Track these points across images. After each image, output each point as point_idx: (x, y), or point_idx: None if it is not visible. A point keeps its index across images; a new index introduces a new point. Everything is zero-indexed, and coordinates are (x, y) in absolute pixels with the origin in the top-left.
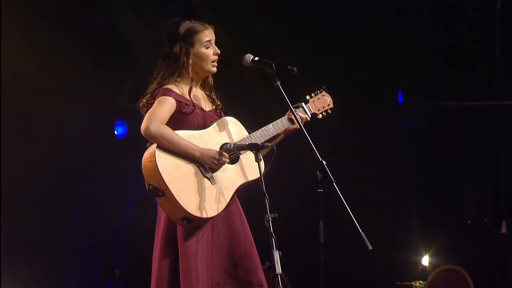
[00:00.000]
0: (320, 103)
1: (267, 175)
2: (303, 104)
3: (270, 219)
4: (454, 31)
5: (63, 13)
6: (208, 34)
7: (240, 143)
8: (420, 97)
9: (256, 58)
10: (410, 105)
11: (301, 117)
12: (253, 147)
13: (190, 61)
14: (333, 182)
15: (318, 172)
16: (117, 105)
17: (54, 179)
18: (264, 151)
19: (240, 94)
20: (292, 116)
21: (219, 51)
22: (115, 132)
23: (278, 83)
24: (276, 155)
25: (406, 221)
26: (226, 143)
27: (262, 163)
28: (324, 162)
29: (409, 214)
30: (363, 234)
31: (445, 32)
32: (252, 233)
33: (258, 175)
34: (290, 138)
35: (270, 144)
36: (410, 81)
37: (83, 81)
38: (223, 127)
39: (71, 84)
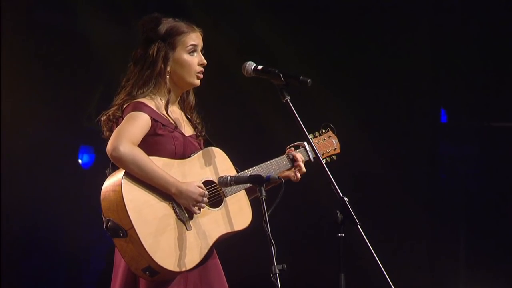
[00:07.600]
0: (324, 145)
1: (272, 216)
2: (305, 144)
3: (278, 271)
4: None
5: (10, 10)
6: (194, 38)
7: (240, 175)
8: (469, 116)
9: (260, 67)
10: (456, 126)
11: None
12: (256, 180)
13: (168, 68)
14: (357, 224)
15: (338, 212)
16: (82, 127)
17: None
18: (270, 185)
19: (240, 113)
20: (294, 154)
21: (205, 62)
22: (79, 161)
23: (288, 98)
24: (285, 190)
25: (451, 274)
26: (222, 176)
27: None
28: (346, 199)
29: (456, 264)
30: None
31: (500, 34)
32: None
33: (246, 225)
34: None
35: (277, 177)
36: (455, 96)
37: (38, 97)
38: (208, 161)
39: (23, 100)
